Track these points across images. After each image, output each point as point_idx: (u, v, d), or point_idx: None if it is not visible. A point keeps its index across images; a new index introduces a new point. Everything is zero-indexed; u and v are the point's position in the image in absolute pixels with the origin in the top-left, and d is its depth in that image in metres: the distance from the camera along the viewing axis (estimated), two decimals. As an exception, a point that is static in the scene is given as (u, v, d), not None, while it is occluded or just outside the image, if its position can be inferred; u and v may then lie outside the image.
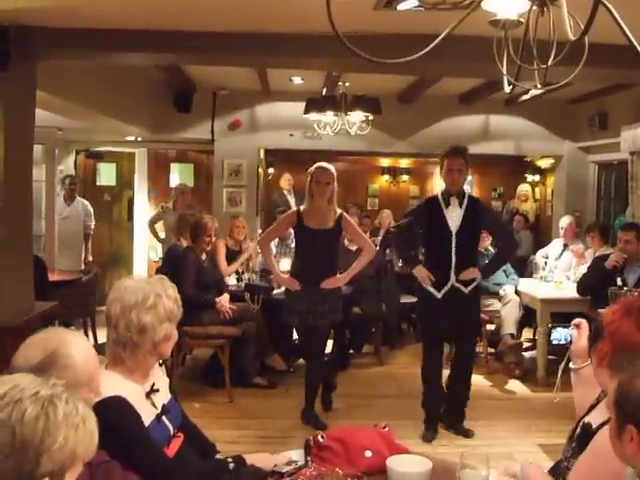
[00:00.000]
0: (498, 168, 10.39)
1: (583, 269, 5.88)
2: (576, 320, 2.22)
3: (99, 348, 1.88)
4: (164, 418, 2.05)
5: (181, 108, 7.65)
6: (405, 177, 11.05)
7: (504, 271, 6.17)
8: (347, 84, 6.38)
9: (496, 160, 9.44)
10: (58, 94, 5.04)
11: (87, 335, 6.19)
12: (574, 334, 2.19)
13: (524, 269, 6.98)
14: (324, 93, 7.01)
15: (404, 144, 8.21)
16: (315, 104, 6.48)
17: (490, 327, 6.34)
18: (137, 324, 1.97)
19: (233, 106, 7.93)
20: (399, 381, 5.81)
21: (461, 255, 4.38)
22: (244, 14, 3.74)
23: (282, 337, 5.92)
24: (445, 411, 4.66)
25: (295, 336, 5.96)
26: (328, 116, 6.51)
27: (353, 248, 5.65)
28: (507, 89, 1.97)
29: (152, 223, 7.52)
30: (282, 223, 4.93)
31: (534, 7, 1.61)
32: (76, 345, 1.64)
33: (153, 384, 2.06)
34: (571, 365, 2.19)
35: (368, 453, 2.14)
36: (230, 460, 2.07)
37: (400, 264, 7.16)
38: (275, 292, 5.68)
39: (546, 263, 6.76)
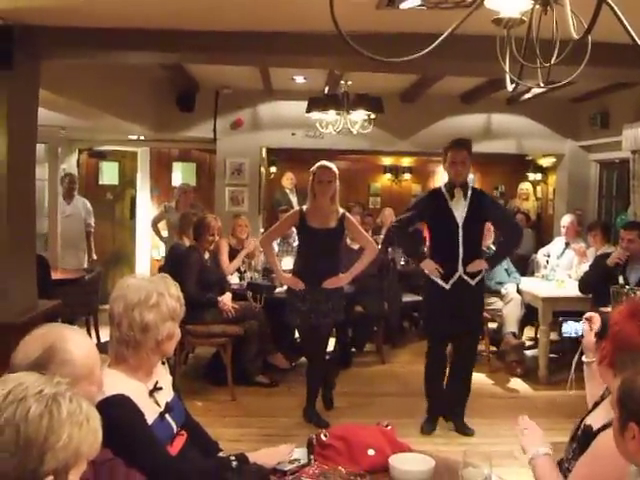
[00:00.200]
0: (500, 167, 10.40)
1: (585, 268, 5.87)
2: (588, 314, 2.22)
3: (102, 346, 1.89)
4: (167, 416, 2.05)
5: (184, 107, 7.64)
6: (407, 176, 11.07)
7: (506, 270, 6.17)
8: (349, 83, 6.37)
9: (498, 159, 9.45)
10: (61, 93, 5.04)
11: (90, 333, 6.21)
12: (585, 328, 2.18)
13: (526, 268, 6.97)
14: (326, 92, 7.01)
15: (406, 143, 8.20)
16: (317, 103, 6.47)
17: (492, 326, 6.33)
18: (140, 322, 1.98)
19: (236, 105, 7.92)
20: (401, 379, 5.81)
21: (468, 246, 4.40)
22: (245, 13, 3.73)
23: (284, 336, 5.92)
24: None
25: (297, 335, 5.96)
26: (330, 115, 6.50)
27: (355, 247, 5.65)
28: (510, 88, 1.97)
29: (155, 223, 7.53)
30: (284, 222, 4.93)
31: (537, 6, 1.61)
32: (74, 340, 1.64)
33: (156, 382, 2.06)
34: (584, 358, 2.19)
35: (371, 451, 2.15)
36: (233, 458, 2.07)
37: (402, 262, 7.17)
38: (277, 291, 5.68)
39: (548, 262, 6.75)
